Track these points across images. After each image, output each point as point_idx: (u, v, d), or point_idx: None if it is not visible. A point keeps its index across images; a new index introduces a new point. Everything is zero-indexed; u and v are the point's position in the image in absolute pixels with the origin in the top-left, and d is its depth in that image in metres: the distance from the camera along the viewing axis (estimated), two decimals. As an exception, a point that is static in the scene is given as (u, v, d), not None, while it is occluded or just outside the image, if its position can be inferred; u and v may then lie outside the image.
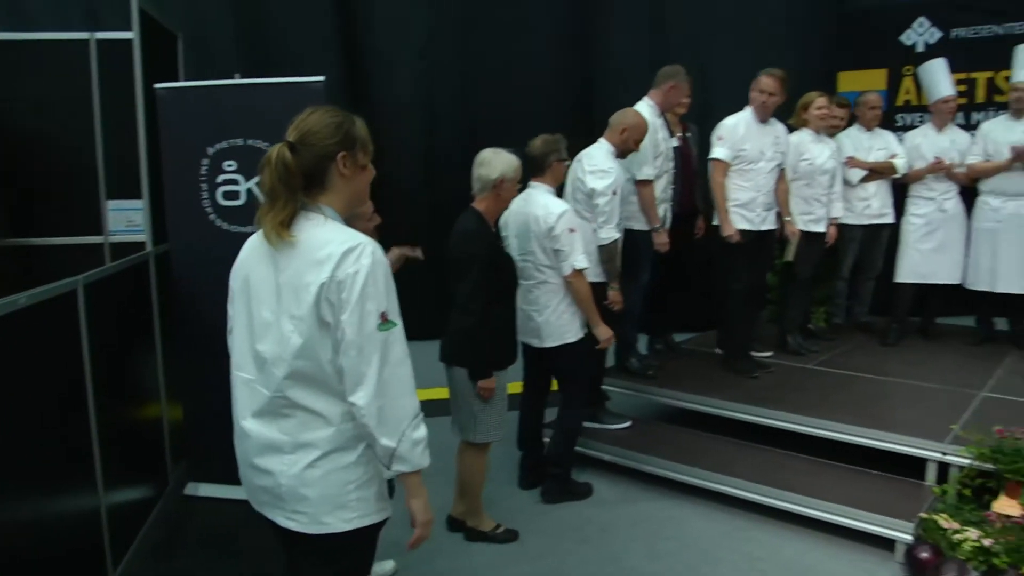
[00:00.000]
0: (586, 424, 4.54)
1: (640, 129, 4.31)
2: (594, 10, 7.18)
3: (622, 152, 4.32)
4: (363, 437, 1.86)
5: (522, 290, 3.84)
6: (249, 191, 3.93)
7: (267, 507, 1.97)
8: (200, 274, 3.97)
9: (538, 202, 3.78)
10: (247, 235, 3.78)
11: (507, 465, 4.32)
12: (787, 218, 5.01)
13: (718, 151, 4.75)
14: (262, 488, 1.95)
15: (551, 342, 3.91)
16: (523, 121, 6.95)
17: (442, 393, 3.68)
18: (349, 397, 1.80)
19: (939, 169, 5.42)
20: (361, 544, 1.97)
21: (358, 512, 1.90)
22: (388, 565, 3.39)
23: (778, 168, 4.89)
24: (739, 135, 4.71)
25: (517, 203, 3.85)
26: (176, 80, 4.71)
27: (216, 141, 3.90)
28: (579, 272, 3.78)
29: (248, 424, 1.94)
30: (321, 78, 3.87)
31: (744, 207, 4.77)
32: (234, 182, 3.93)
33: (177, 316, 4.09)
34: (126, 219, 4.84)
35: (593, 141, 7.33)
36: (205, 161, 3.92)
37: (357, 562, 2.02)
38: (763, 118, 4.77)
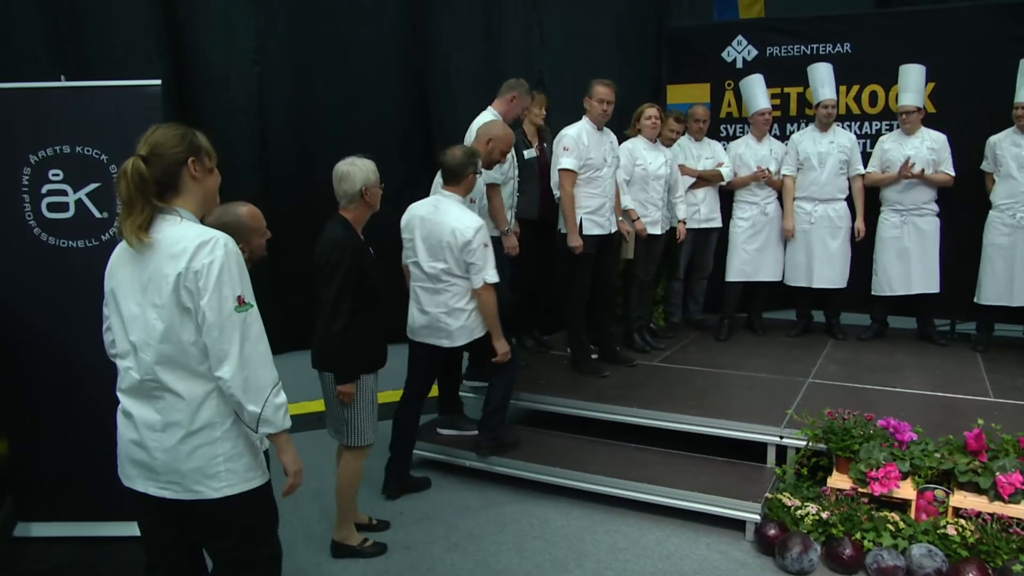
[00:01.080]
0: (443, 431, 4.62)
1: (506, 141, 4.42)
2: (426, 19, 7.23)
3: (487, 163, 4.38)
4: (229, 412, 2.12)
5: (428, 293, 3.99)
6: (79, 202, 3.62)
7: (138, 480, 2.16)
8: (24, 293, 3.64)
9: (451, 213, 3.89)
10: (78, 250, 3.49)
11: (371, 479, 4.22)
12: (619, 218, 5.22)
13: (566, 161, 4.82)
14: (136, 462, 2.15)
15: (462, 340, 4.04)
16: (357, 129, 6.92)
17: (314, 407, 3.58)
18: (215, 372, 2.04)
19: (761, 177, 5.88)
20: (245, 509, 2.18)
21: (227, 481, 2.12)
22: None
23: (615, 172, 5.11)
24: (584, 144, 4.85)
25: (425, 208, 3.98)
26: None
27: (39, 148, 3.57)
28: (489, 286, 3.91)
29: (128, 405, 2.15)
30: (157, 81, 3.66)
31: (595, 213, 4.92)
32: (61, 192, 3.61)
33: (-2, 339, 3.72)
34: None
35: (430, 149, 7.39)
36: (27, 170, 3.58)
37: (250, 528, 2.21)
38: (601, 126, 4.96)
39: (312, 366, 3.51)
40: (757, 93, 5.99)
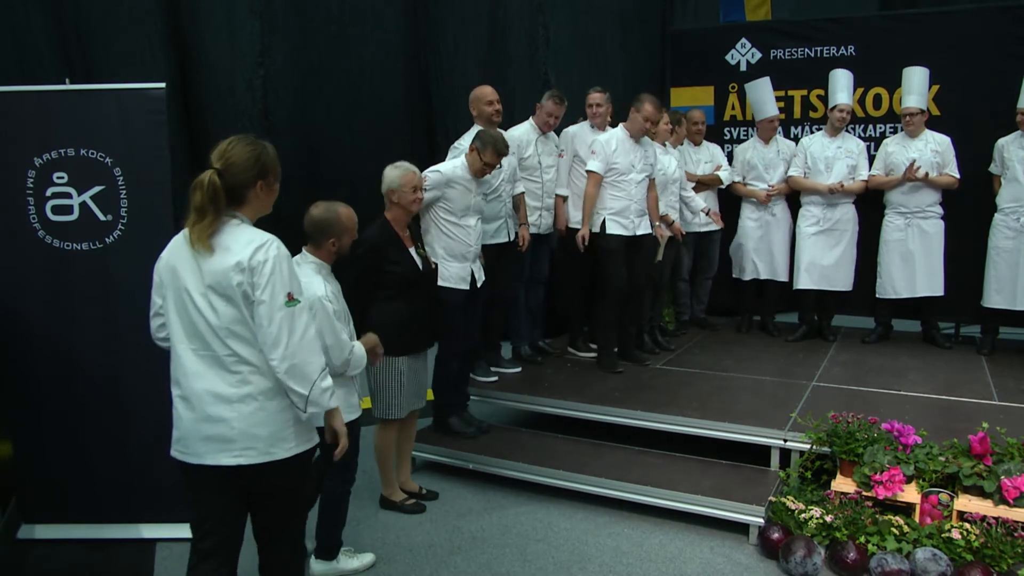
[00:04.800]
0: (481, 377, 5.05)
1: (480, 98, 4.89)
2: (430, 21, 7.24)
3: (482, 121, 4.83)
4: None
5: None
6: (83, 205, 3.63)
7: (208, 455, 2.33)
8: (28, 296, 3.65)
9: (447, 161, 4.49)
10: (82, 252, 3.50)
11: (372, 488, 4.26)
12: (656, 223, 5.40)
13: (592, 164, 5.08)
14: (209, 438, 2.32)
15: (441, 282, 4.30)
16: (361, 132, 6.93)
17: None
18: (268, 356, 2.30)
19: (776, 193, 5.91)
20: (301, 467, 2.46)
21: (295, 442, 2.40)
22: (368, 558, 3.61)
23: (648, 180, 5.25)
24: (611, 149, 5.05)
25: None
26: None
27: (44, 151, 3.58)
28: None
29: (198, 384, 2.33)
30: (162, 85, 3.67)
31: (619, 214, 5.12)
32: (66, 195, 3.61)
33: (1, 342, 3.72)
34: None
35: (433, 152, 7.41)
36: (31, 173, 3.59)
37: (300, 483, 2.52)
38: (637, 137, 5.14)
39: None
40: (766, 99, 5.96)
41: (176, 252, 2.37)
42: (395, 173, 3.79)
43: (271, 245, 2.32)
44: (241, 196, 2.37)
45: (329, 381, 2.42)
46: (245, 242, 2.30)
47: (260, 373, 2.33)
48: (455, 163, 4.37)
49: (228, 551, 2.45)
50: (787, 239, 6.04)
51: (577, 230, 5.21)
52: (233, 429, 2.31)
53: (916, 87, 5.57)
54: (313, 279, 3.03)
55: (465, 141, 4.78)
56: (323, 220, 3.09)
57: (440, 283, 4.25)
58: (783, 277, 6.08)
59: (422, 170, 4.01)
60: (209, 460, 2.34)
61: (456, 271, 4.34)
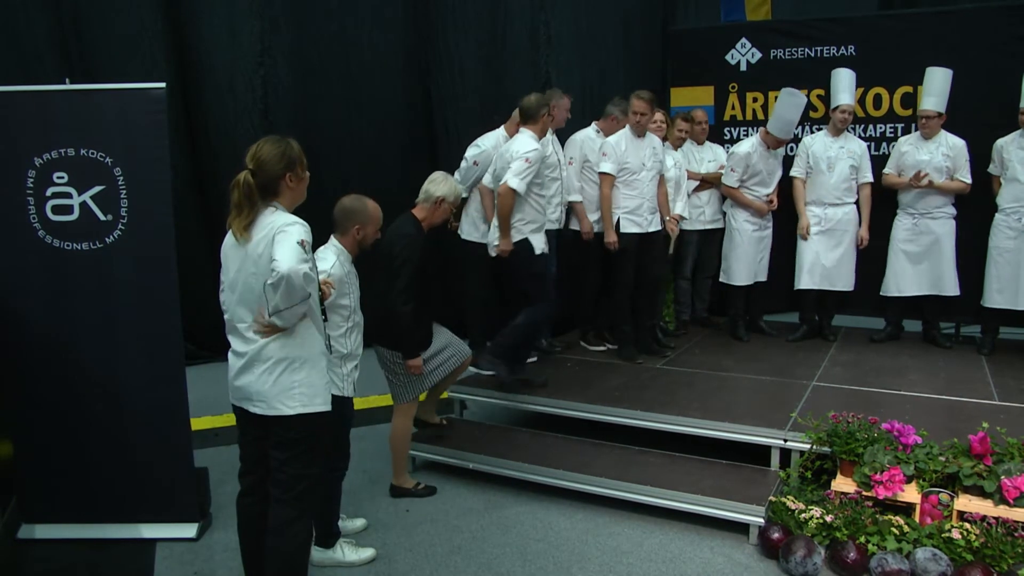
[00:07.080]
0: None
1: (559, 106, 5.03)
2: (430, 21, 7.24)
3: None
4: (308, 349, 2.79)
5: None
6: (83, 205, 3.63)
7: (243, 400, 2.85)
8: (28, 296, 3.66)
9: (519, 140, 4.61)
10: (82, 252, 3.53)
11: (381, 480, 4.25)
12: (667, 218, 5.52)
13: (605, 165, 5.23)
14: (239, 387, 2.83)
15: (537, 251, 4.66)
16: (361, 131, 6.92)
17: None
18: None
19: (770, 208, 5.94)
20: (308, 427, 2.82)
21: (300, 402, 2.78)
22: (359, 522, 3.90)
23: (658, 175, 5.35)
24: (621, 150, 5.17)
25: (506, 144, 4.86)
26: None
27: (44, 151, 3.58)
28: (510, 189, 4.47)
29: (234, 345, 2.84)
30: (162, 84, 3.67)
31: (633, 213, 5.25)
32: (66, 195, 3.62)
33: (1, 342, 3.72)
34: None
35: (433, 151, 7.43)
36: (32, 173, 3.59)
37: (309, 443, 2.85)
38: (639, 134, 5.23)
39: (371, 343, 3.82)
40: (782, 115, 5.80)
41: (228, 237, 2.78)
42: (455, 187, 4.09)
43: (295, 223, 2.66)
44: (275, 189, 2.73)
45: (303, 309, 2.69)
46: (272, 224, 2.67)
47: (269, 345, 2.73)
48: (530, 142, 4.54)
49: (263, 489, 2.90)
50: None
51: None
52: (250, 385, 2.78)
53: (936, 89, 5.50)
54: (327, 255, 3.29)
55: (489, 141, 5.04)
56: (351, 207, 3.34)
57: (536, 253, 4.67)
58: (763, 277, 6.10)
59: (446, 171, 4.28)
60: (242, 404, 2.86)
61: (540, 242, 4.72)
